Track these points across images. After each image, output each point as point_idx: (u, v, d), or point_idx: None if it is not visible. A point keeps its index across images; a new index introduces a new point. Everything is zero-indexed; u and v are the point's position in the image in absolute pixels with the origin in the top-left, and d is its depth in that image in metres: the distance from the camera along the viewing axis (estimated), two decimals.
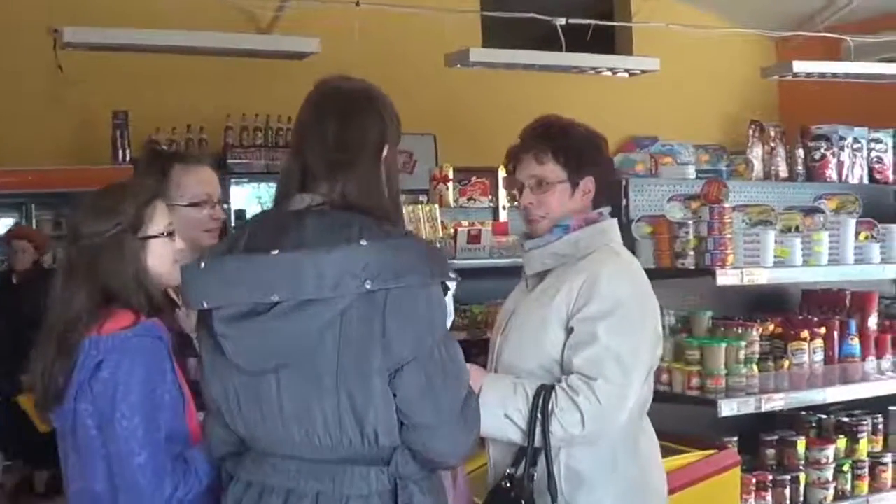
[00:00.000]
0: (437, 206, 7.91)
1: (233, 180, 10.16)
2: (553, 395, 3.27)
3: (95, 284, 3.07)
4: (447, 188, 8.43)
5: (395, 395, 2.58)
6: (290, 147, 2.86)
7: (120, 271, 3.09)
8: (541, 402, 3.27)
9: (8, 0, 9.57)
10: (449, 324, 2.93)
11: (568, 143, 3.54)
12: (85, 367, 2.97)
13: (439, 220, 7.69)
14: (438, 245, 6.87)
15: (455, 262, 6.92)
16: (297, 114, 2.79)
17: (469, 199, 8.58)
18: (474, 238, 7.33)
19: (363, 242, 2.53)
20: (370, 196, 2.70)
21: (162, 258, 3.19)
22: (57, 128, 9.69)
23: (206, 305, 2.62)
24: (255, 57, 8.99)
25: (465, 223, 7.72)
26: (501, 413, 3.30)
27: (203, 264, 2.65)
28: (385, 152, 2.75)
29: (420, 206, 7.67)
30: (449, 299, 2.86)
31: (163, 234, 3.19)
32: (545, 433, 3.25)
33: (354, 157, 2.69)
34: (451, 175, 8.46)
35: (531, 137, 3.61)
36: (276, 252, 2.55)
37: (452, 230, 7.47)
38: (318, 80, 2.82)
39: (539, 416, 3.25)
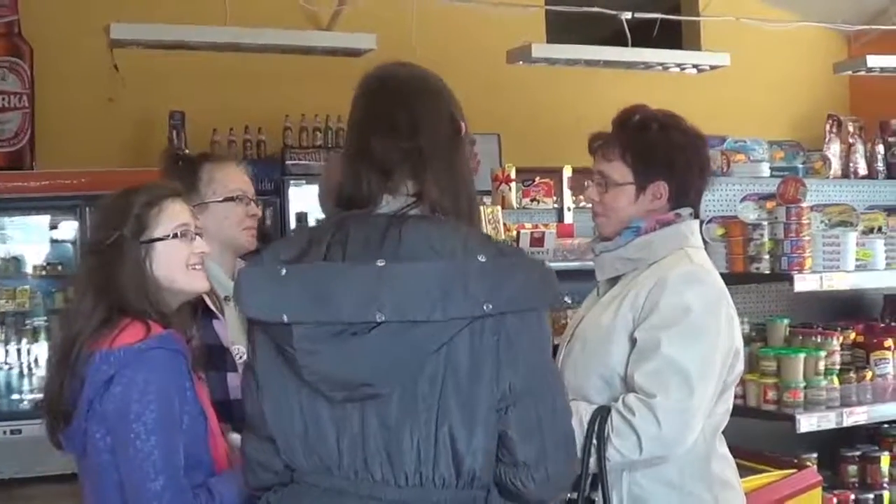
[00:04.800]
0: (499, 207, 7.67)
1: (292, 182, 9.98)
2: (609, 417, 2.99)
3: (101, 295, 2.85)
4: (509, 189, 8.18)
5: (500, 433, 2.29)
6: (350, 149, 2.49)
7: (121, 279, 2.85)
8: (595, 426, 2.97)
9: None
10: None
11: (640, 142, 3.20)
12: (94, 383, 2.74)
13: (501, 222, 7.46)
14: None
15: None
16: (353, 106, 2.49)
17: (532, 201, 8.33)
18: (537, 241, 7.09)
19: (481, 258, 2.22)
20: (460, 191, 2.41)
21: (170, 263, 2.94)
22: (113, 129, 9.62)
23: (286, 320, 2.28)
24: (312, 54, 8.81)
25: (528, 225, 7.48)
26: None
27: (284, 270, 2.32)
28: (463, 134, 2.46)
29: (482, 208, 7.42)
30: None
31: (170, 235, 2.94)
32: (601, 460, 2.96)
33: (435, 142, 2.39)
34: (513, 175, 8.22)
35: (612, 130, 3.29)
36: (382, 263, 2.23)
37: (515, 232, 7.23)
38: (365, 73, 2.51)
39: (594, 441, 2.96)
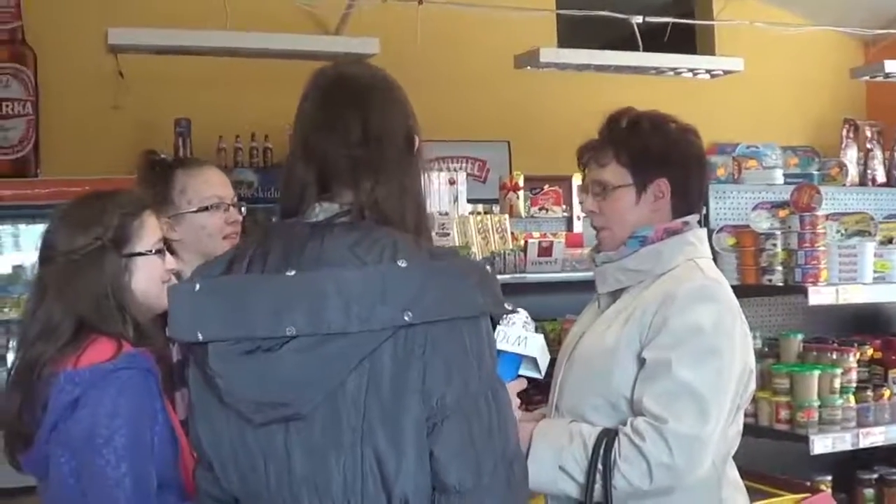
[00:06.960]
0: (506, 216, 7.52)
1: None
2: (616, 442, 2.81)
3: (70, 308, 2.69)
4: (517, 197, 8.06)
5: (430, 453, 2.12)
6: (295, 148, 2.35)
7: (98, 293, 2.70)
8: (602, 450, 2.79)
9: (67, 3, 9.37)
10: (544, 368, 2.54)
11: (632, 140, 3.07)
12: (58, 404, 2.58)
13: (509, 231, 7.32)
14: (500, 259, 6.46)
15: (525, 275, 6.55)
16: (300, 107, 2.34)
17: (541, 209, 8.22)
18: (545, 250, 6.92)
19: (401, 263, 2.06)
20: (406, 204, 2.25)
21: (149, 279, 2.81)
22: (118, 136, 9.45)
23: (201, 338, 2.14)
24: (314, 59, 8.65)
25: (536, 234, 7.34)
26: (555, 465, 2.82)
27: (198, 286, 2.18)
28: (416, 146, 2.32)
29: (489, 217, 7.29)
30: (536, 338, 2.49)
31: (151, 251, 2.81)
32: (607, 487, 2.78)
33: (386, 154, 2.24)
34: (521, 183, 8.10)
35: (599, 136, 3.16)
36: (292, 273, 2.09)
37: (523, 242, 7.09)
38: (319, 68, 2.38)
39: (600, 466, 2.78)
